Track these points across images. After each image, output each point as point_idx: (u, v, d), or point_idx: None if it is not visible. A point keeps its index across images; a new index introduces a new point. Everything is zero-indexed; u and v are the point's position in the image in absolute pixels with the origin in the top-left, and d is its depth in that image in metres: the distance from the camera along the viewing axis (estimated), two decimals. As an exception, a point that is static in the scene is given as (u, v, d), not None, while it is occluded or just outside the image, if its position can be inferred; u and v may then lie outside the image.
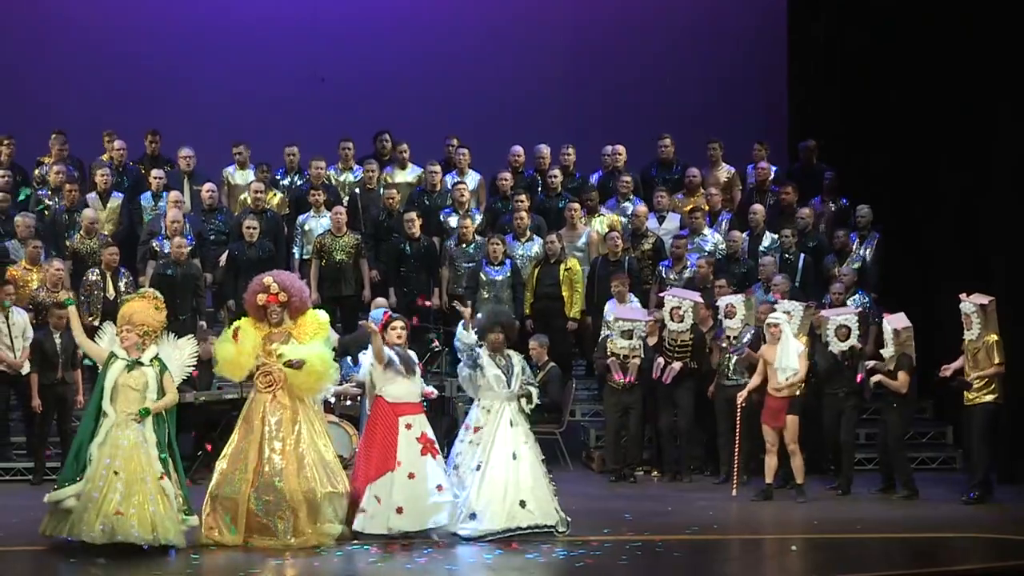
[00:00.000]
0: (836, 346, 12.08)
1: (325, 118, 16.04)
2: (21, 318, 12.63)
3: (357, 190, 14.87)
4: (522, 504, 10.04)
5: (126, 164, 14.98)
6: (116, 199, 14.51)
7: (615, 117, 16.39)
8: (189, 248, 13.62)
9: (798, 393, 11.77)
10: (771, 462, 11.87)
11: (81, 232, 13.78)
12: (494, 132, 15.86)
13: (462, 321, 10.30)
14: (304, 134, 15.32)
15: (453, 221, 14.44)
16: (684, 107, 16.52)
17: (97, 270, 13.40)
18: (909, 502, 11.81)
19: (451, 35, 16.81)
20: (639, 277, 13.89)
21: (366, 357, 10.39)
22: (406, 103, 16.38)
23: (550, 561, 9.62)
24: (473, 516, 10.02)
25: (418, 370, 10.24)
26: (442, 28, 16.85)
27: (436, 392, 10.37)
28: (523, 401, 10.30)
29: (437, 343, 12.53)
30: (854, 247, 14.14)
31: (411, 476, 9.91)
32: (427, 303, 12.76)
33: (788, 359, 11.70)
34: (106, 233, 14.06)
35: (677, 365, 12.57)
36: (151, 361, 9.85)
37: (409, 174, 15.11)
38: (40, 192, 14.54)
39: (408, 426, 10.02)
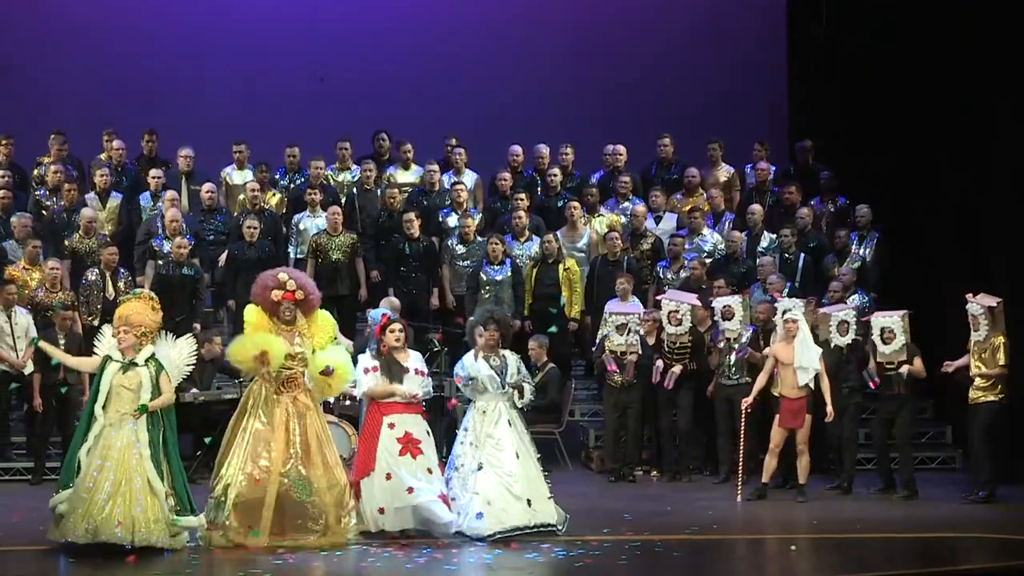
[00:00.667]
0: (839, 340, 12.07)
1: (324, 118, 16.04)
2: (24, 318, 12.64)
3: (354, 190, 14.89)
4: (528, 503, 10.08)
5: (125, 164, 14.99)
6: (115, 199, 14.51)
7: (615, 117, 16.38)
8: (188, 248, 13.62)
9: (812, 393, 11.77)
10: (771, 462, 11.87)
11: (80, 232, 13.78)
12: (494, 132, 15.86)
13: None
14: (303, 134, 15.32)
15: (452, 221, 14.45)
16: (684, 107, 16.52)
17: (96, 270, 13.41)
18: (909, 502, 11.82)
19: (451, 35, 16.80)
20: (638, 277, 13.89)
21: (361, 364, 10.38)
22: (406, 103, 16.37)
23: (549, 561, 9.62)
24: (480, 516, 10.03)
25: (412, 373, 10.20)
26: (442, 28, 16.85)
27: (422, 393, 10.31)
28: (515, 395, 10.28)
29: (437, 343, 12.53)
30: (853, 247, 14.15)
31: (388, 477, 9.98)
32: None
33: (809, 359, 11.67)
34: (105, 233, 14.06)
35: (677, 369, 12.57)
36: (146, 361, 9.86)
37: (412, 174, 15.11)
38: (39, 192, 14.55)
39: (391, 425, 10.06)
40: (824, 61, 16.21)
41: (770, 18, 16.79)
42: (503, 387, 10.27)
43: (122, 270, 13.52)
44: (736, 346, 12.42)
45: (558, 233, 14.24)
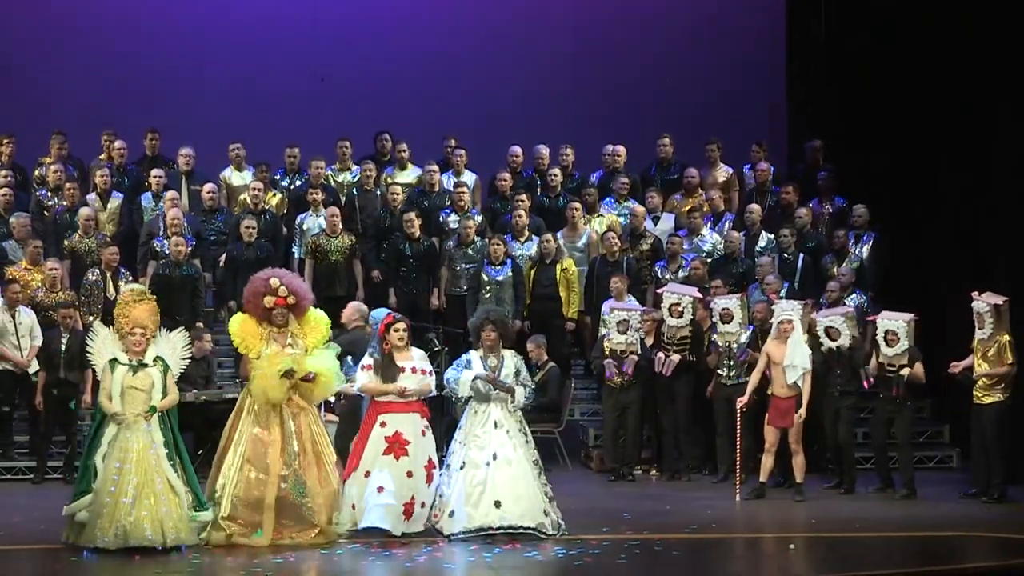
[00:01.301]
0: (828, 343, 12.11)
1: (325, 118, 16.05)
2: (28, 318, 12.69)
3: (355, 190, 14.91)
4: (496, 504, 10.03)
5: (126, 164, 15.02)
6: (116, 199, 14.55)
7: (615, 117, 16.39)
8: (188, 248, 13.64)
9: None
10: (768, 462, 11.90)
11: (79, 232, 13.81)
12: (494, 132, 15.88)
13: (477, 379, 10.28)
14: (303, 134, 15.34)
15: (452, 221, 14.48)
16: (684, 107, 16.53)
17: (97, 270, 13.44)
18: (907, 501, 11.84)
19: (451, 36, 16.81)
20: (637, 277, 13.92)
21: (362, 362, 10.41)
22: (406, 103, 16.39)
23: (549, 560, 9.63)
24: (452, 514, 10.09)
25: (408, 372, 10.19)
26: (442, 29, 16.86)
27: (424, 389, 10.32)
28: (508, 398, 10.26)
29: (437, 343, 12.56)
30: (851, 247, 14.17)
31: (366, 475, 10.03)
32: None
33: (799, 358, 11.70)
34: (107, 234, 14.07)
35: (676, 357, 12.60)
36: (153, 361, 9.92)
37: (410, 175, 15.14)
38: (40, 192, 14.57)
39: (383, 424, 10.10)
40: (824, 61, 16.24)
41: (770, 18, 16.81)
42: (493, 388, 10.26)
43: (123, 270, 13.56)
44: (736, 347, 12.44)
45: (558, 233, 14.30)
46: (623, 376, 12.59)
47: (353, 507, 10.02)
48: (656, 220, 14.67)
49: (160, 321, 10.31)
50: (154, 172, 14.58)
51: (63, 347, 12.43)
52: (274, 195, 14.88)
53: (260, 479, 9.88)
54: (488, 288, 13.82)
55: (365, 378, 10.20)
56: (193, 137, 15.11)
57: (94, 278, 13.39)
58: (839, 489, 12.16)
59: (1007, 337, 11.61)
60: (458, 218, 14.36)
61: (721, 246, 14.25)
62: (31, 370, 12.55)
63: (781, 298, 12.71)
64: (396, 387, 10.10)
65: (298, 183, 15.07)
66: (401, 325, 10.30)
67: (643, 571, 9.49)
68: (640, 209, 14.51)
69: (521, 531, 10.03)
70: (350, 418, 11.76)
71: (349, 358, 12.00)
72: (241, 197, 14.74)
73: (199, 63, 16.52)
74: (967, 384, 11.80)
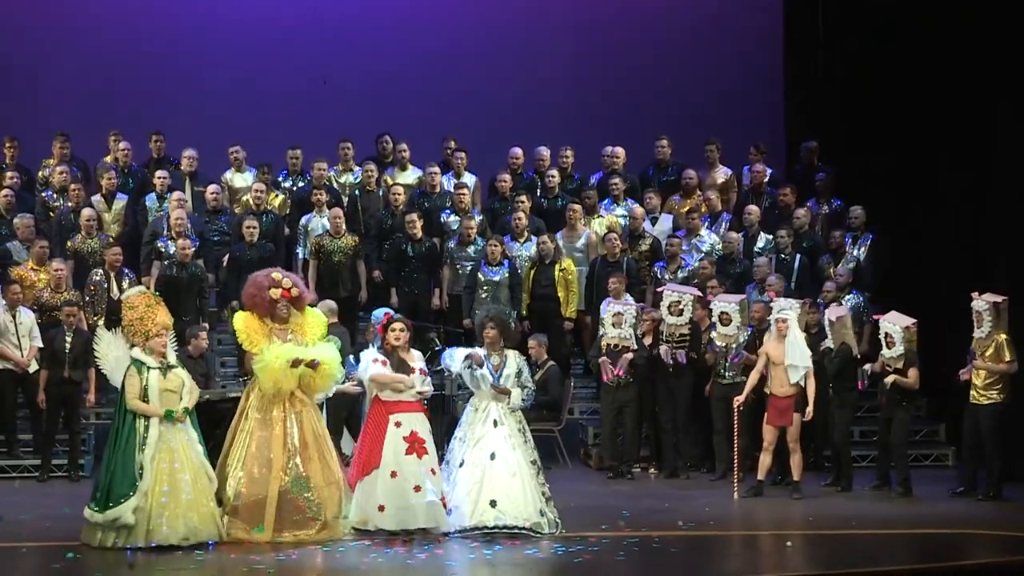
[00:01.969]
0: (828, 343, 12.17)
1: (327, 120, 16.11)
2: (28, 318, 12.77)
3: (356, 191, 14.98)
4: (492, 504, 10.09)
5: (131, 165, 15.11)
6: (121, 200, 14.64)
7: (615, 118, 16.44)
8: (193, 249, 13.73)
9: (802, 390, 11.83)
10: (766, 460, 11.95)
11: (81, 232, 13.88)
12: (494, 133, 15.93)
13: (468, 359, 10.32)
14: (306, 136, 15.40)
15: (452, 222, 14.55)
16: (684, 107, 16.56)
17: (101, 270, 13.52)
18: (904, 499, 11.89)
19: (451, 37, 16.86)
20: (637, 278, 13.99)
21: (366, 356, 10.48)
22: (407, 105, 16.44)
23: (548, 557, 9.68)
24: (450, 512, 10.15)
25: (417, 373, 10.26)
26: (442, 30, 16.91)
27: (428, 391, 10.40)
28: (504, 399, 10.31)
29: (437, 343, 12.62)
30: (848, 247, 14.22)
31: (393, 475, 10.01)
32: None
33: (799, 357, 11.73)
34: (111, 235, 14.15)
35: (680, 352, 12.67)
36: (175, 360, 10.10)
37: (410, 175, 15.21)
38: (45, 194, 14.67)
39: (397, 424, 10.11)
40: (823, 61, 16.25)
41: (769, 18, 16.82)
42: (479, 373, 10.31)
43: (126, 270, 13.63)
44: (733, 347, 12.49)
45: (557, 234, 14.36)
46: (615, 377, 12.64)
47: (382, 508, 9.97)
48: (654, 221, 14.74)
49: None
50: (158, 173, 14.66)
51: (67, 346, 12.52)
52: (276, 196, 14.96)
53: (263, 475, 9.96)
54: (484, 288, 13.90)
55: (377, 368, 10.20)
56: (196, 139, 15.19)
57: (98, 278, 13.48)
58: (836, 487, 12.21)
59: (1004, 336, 11.64)
60: (458, 219, 14.44)
61: (719, 247, 14.32)
62: (31, 369, 12.62)
63: (781, 298, 12.77)
64: (409, 380, 10.15)
65: (300, 184, 15.15)
66: (399, 325, 10.35)
67: (642, 568, 9.53)
68: (639, 210, 14.57)
69: (516, 530, 10.08)
70: (337, 418, 11.90)
71: (351, 357, 12.11)
72: (243, 198, 14.83)
73: (202, 65, 16.57)
74: (965, 384, 11.86)
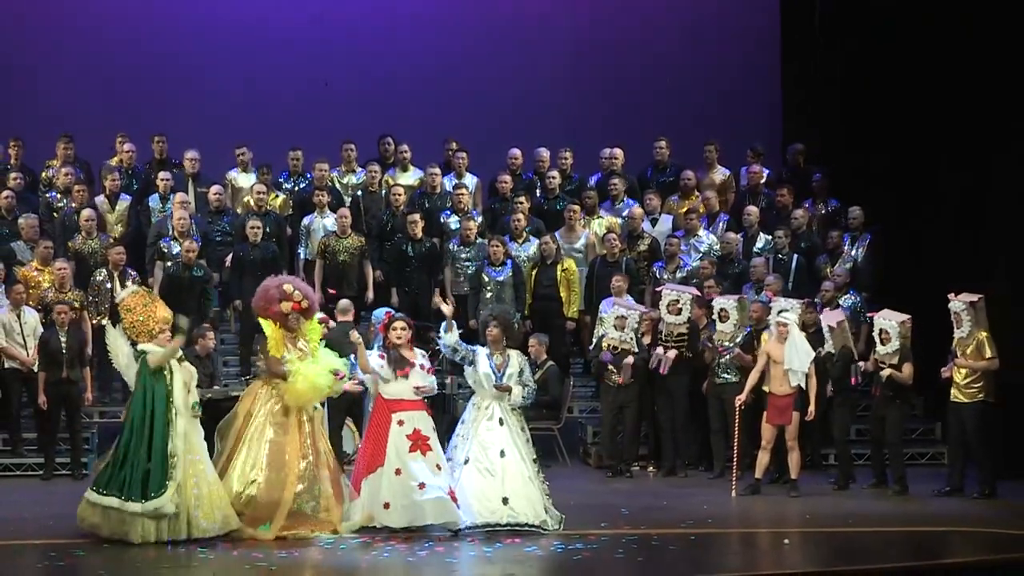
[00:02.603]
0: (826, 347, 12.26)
1: (328, 121, 16.16)
2: (32, 317, 12.86)
3: (359, 192, 15.04)
4: (504, 501, 10.15)
5: (135, 167, 15.17)
6: (124, 201, 14.70)
7: (615, 119, 16.48)
8: (197, 250, 13.77)
9: (801, 389, 11.88)
10: (764, 458, 12.00)
11: (82, 233, 13.94)
12: (494, 134, 15.97)
13: (443, 322, 10.41)
14: (307, 137, 15.43)
15: (453, 222, 14.61)
16: (684, 108, 16.61)
17: (104, 270, 13.59)
18: (900, 497, 11.93)
19: (451, 38, 16.90)
20: (636, 278, 14.06)
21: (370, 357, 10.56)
22: (407, 106, 16.50)
23: (548, 554, 9.73)
24: (459, 509, 10.15)
25: (418, 368, 10.34)
26: (442, 31, 16.96)
27: (430, 388, 10.47)
28: (505, 396, 10.37)
29: (438, 342, 12.65)
30: (846, 248, 14.26)
31: (397, 472, 10.05)
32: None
33: (798, 361, 11.77)
34: (107, 234, 14.18)
35: (672, 353, 12.71)
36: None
37: (411, 176, 15.27)
38: (49, 195, 14.74)
39: (400, 422, 10.16)
40: (822, 61, 16.27)
41: (768, 19, 16.85)
42: (498, 384, 10.38)
43: (129, 270, 13.70)
44: (728, 344, 12.55)
45: (556, 234, 14.41)
46: (618, 375, 12.70)
47: (387, 506, 10.02)
48: (654, 222, 14.79)
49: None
50: (161, 174, 14.72)
51: (63, 346, 12.60)
52: (276, 197, 15.02)
53: (278, 479, 10.04)
54: (489, 288, 13.97)
55: (377, 363, 10.26)
56: (198, 140, 15.24)
57: (101, 278, 13.56)
58: (835, 484, 12.25)
59: (985, 333, 11.71)
60: (459, 219, 14.50)
61: (717, 247, 14.38)
62: (36, 368, 12.69)
63: (780, 298, 12.82)
64: (422, 385, 10.23)
65: (302, 185, 15.22)
66: (400, 323, 10.41)
67: (640, 566, 9.56)
68: (638, 211, 14.63)
69: (527, 527, 10.14)
70: (336, 420, 11.98)
71: (351, 357, 12.18)
72: (245, 199, 14.90)
73: (203, 66, 16.62)
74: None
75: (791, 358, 11.77)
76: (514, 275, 14.01)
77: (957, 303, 11.79)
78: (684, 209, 14.79)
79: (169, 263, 13.82)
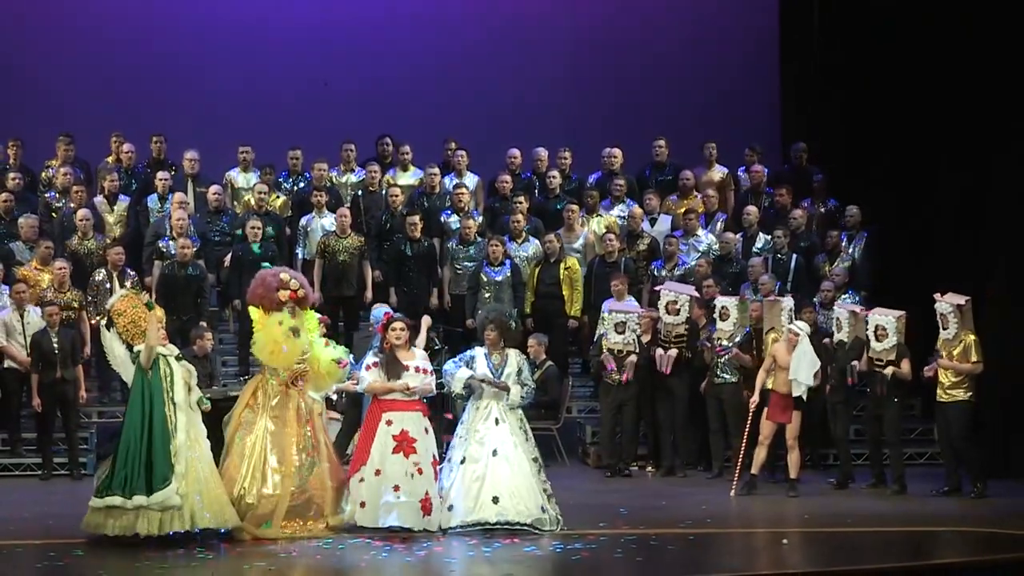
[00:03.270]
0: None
1: (328, 121, 16.18)
2: (35, 317, 12.87)
3: (359, 192, 15.06)
4: (495, 500, 10.15)
5: (134, 167, 15.19)
6: (123, 201, 14.72)
7: (614, 119, 16.50)
8: (194, 249, 13.80)
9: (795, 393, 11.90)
10: (761, 454, 12.00)
11: (78, 233, 13.95)
12: (494, 134, 15.99)
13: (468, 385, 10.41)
14: (307, 137, 15.47)
15: (452, 222, 14.62)
16: (683, 108, 16.63)
17: (104, 270, 13.61)
18: (899, 496, 11.95)
19: (451, 38, 16.92)
20: (635, 277, 14.07)
21: (364, 361, 10.56)
22: (407, 106, 16.52)
23: (547, 554, 9.73)
24: (451, 508, 10.21)
25: (412, 371, 10.32)
26: (442, 31, 16.97)
27: (426, 388, 10.46)
28: (504, 396, 10.38)
29: (437, 342, 12.69)
30: (844, 247, 14.27)
31: (377, 473, 10.10)
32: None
33: (804, 373, 11.76)
34: (113, 235, 14.22)
35: (673, 352, 12.72)
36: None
37: (412, 176, 15.29)
38: (48, 195, 14.75)
39: (389, 422, 10.18)
40: (823, 61, 16.27)
41: (768, 19, 16.87)
42: (495, 384, 10.38)
43: (128, 270, 13.71)
44: (726, 343, 12.56)
45: (557, 233, 14.43)
46: (620, 376, 12.71)
47: (363, 505, 10.08)
48: (653, 222, 14.81)
49: (166, 320, 10.56)
50: (160, 174, 14.73)
51: (55, 346, 12.61)
52: (277, 197, 15.03)
53: (277, 474, 10.05)
54: (487, 288, 13.98)
55: (370, 377, 10.29)
56: (197, 140, 15.27)
57: (100, 278, 13.57)
58: (835, 484, 12.27)
59: (972, 337, 11.75)
60: (458, 219, 14.52)
61: (716, 247, 14.38)
62: (30, 369, 12.72)
63: (779, 297, 12.84)
64: (401, 384, 10.21)
65: (301, 185, 15.23)
66: (399, 324, 10.42)
67: (639, 565, 9.56)
68: (637, 210, 14.65)
69: (517, 527, 10.15)
70: (352, 417, 11.94)
71: (351, 356, 12.20)
72: (245, 198, 14.92)
73: (203, 66, 16.63)
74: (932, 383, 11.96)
75: (797, 369, 11.75)
76: (513, 275, 14.02)
77: (944, 304, 11.83)
78: (683, 209, 14.81)
79: (165, 263, 13.81)
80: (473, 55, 16.91)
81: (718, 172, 15.43)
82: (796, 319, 12.35)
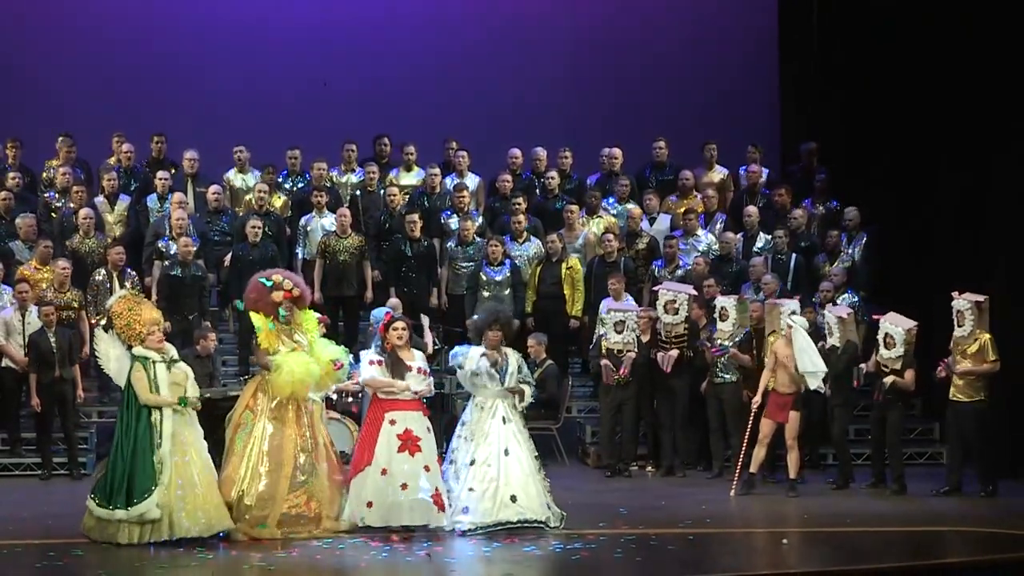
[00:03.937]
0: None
1: (328, 121, 16.19)
2: (34, 318, 12.86)
3: (358, 192, 15.06)
4: (512, 499, 10.17)
5: (134, 167, 15.20)
6: (124, 201, 14.73)
7: (614, 119, 16.52)
8: (195, 248, 13.80)
9: (803, 390, 11.88)
10: (760, 453, 12.00)
11: (80, 233, 13.96)
12: (494, 134, 16.00)
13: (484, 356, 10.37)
14: (307, 137, 15.47)
15: (453, 222, 14.63)
16: (683, 108, 16.64)
17: (104, 270, 13.61)
18: (899, 496, 11.95)
19: (451, 38, 16.94)
20: (635, 277, 14.08)
21: (365, 356, 10.57)
22: (407, 106, 16.54)
23: (546, 554, 9.73)
24: (465, 510, 10.18)
25: (415, 372, 10.34)
26: (442, 31, 16.99)
27: (427, 390, 10.48)
28: (516, 398, 10.40)
29: (437, 342, 12.70)
30: (843, 247, 14.27)
31: (383, 472, 10.08)
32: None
33: (812, 363, 11.73)
34: (104, 234, 14.21)
35: (674, 352, 12.72)
36: (177, 356, 10.20)
37: (415, 176, 15.30)
38: (48, 195, 14.76)
39: (392, 422, 10.18)
40: (822, 61, 16.29)
41: (768, 19, 16.89)
42: (502, 384, 10.39)
43: (129, 270, 13.71)
44: (726, 343, 12.56)
45: (560, 232, 14.45)
46: (620, 376, 12.72)
47: (370, 505, 10.05)
48: (652, 222, 14.81)
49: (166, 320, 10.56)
50: (159, 174, 14.75)
51: (53, 346, 12.61)
52: (278, 197, 15.04)
53: (276, 475, 10.05)
54: (487, 288, 13.98)
55: (374, 372, 10.27)
56: (197, 139, 15.27)
57: (100, 278, 13.57)
58: (833, 484, 12.26)
59: (988, 336, 11.73)
60: (458, 219, 14.52)
61: (716, 247, 14.38)
62: (28, 369, 12.72)
63: (776, 302, 12.84)
64: (402, 385, 10.21)
65: (300, 185, 15.24)
66: (400, 324, 10.43)
67: (639, 565, 9.56)
68: (636, 210, 14.66)
69: (535, 524, 10.19)
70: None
71: (351, 356, 12.20)
72: (246, 198, 14.92)
73: (203, 66, 16.65)
74: (946, 382, 11.92)
75: (804, 361, 11.70)
76: (512, 275, 14.02)
77: (962, 301, 11.80)
78: (683, 209, 14.82)
79: (166, 262, 13.82)
80: (473, 55, 16.93)
81: (718, 173, 15.44)
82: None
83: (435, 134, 15.76)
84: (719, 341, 12.56)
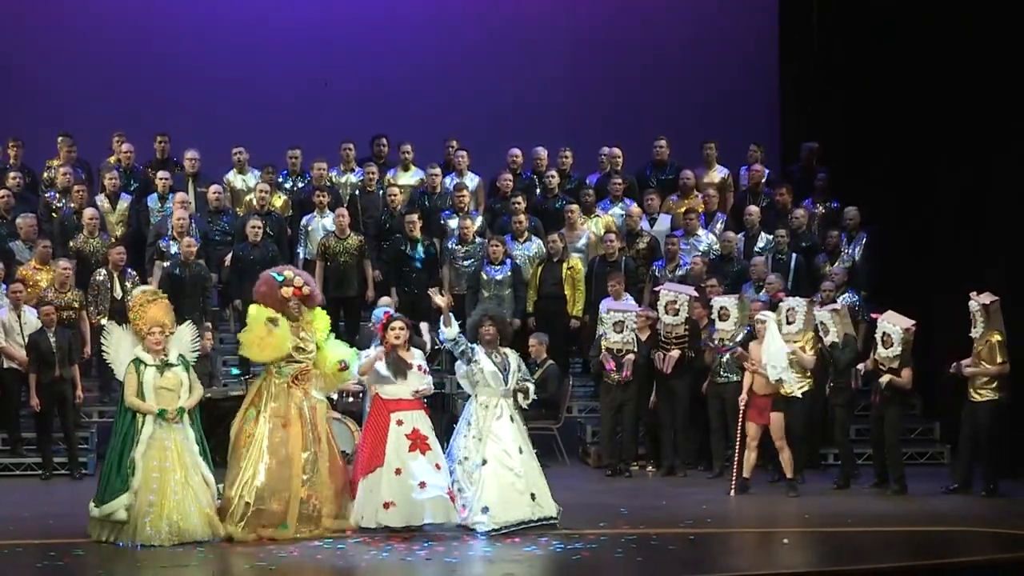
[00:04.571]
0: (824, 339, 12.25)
1: (328, 121, 16.19)
2: (32, 317, 12.88)
3: (357, 192, 15.06)
4: (532, 497, 10.22)
5: (134, 166, 15.20)
6: (125, 201, 14.74)
7: (614, 119, 16.53)
8: (197, 247, 13.80)
9: (783, 391, 11.87)
10: (750, 456, 12.01)
11: (84, 232, 13.96)
12: (494, 134, 16.00)
13: (441, 317, 10.42)
14: (307, 137, 15.48)
15: (453, 222, 14.63)
16: (683, 108, 16.65)
17: (104, 270, 13.62)
18: (899, 496, 11.95)
19: (451, 38, 16.95)
20: (635, 276, 14.08)
21: (366, 356, 10.58)
22: (407, 106, 16.55)
23: (547, 554, 9.74)
24: (485, 510, 10.15)
25: (415, 370, 10.36)
26: (442, 31, 17.00)
27: (428, 389, 10.49)
28: (519, 397, 10.43)
29: (437, 341, 12.68)
30: (844, 247, 14.28)
31: (397, 472, 10.06)
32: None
33: (773, 357, 11.78)
34: (108, 233, 14.23)
35: (675, 353, 12.73)
36: (177, 359, 10.13)
37: (412, 176, 15.31)
38: (48, 194, 14.77)
39: (399, 422, 10.17)
40: (822, 61, 16.30)
41: (768, 19, 16.90)
42: (505, 383, 10.40)
43: (129, 270, 13.72)
44: (728, 343, 12.57)
45: (561, 232, 14.45)
46: (621, 375, 12.73)
47: (387, 506, 10.01)
48: (653, 221, 14.82)
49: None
50: (160, 174, 14.75)
51: (53, 346, 12.61)
52: (278, 197, 15.05)
53: (284, 474, 10.04)
54: (488, 287, 13.99)
55: (381, 365, 10.28)
56: (198, 139, 15.28)
57: (101, 278, 13.58)
58: (834, 484, 12.27)
59: (997, 337, 11.75)
60: (458, 219, 14.53)
61: (716, 246, 14.39)
62: (28, 369, 12.72)
63: (786, 297, 12.85)
64: (374, 355, 10.24)
65: (300, 185, 15.25)
66: (399, 323, 10.44)
67: (639, 565, 9.56)
68: (636, 210, 14.66)
69: (549, 521, 10.26)
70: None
71: (360, 359, 12.20)
72: (247, 198, 14.93)
73: (203, 66, 16.65)
74: (959, 379, 11.92)
75: (768, 355, 11.76)
76: (513, 274, 14.02)
77: (973, 303, 11.85)
78: (683, 209, 14.82)
79: (168, 263, 13.82)
80: (473, 55, 16.94)
81: (718, 173, 15.45)
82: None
83: (435, 134, 15.76)
84: (722, 341, 12.55)
